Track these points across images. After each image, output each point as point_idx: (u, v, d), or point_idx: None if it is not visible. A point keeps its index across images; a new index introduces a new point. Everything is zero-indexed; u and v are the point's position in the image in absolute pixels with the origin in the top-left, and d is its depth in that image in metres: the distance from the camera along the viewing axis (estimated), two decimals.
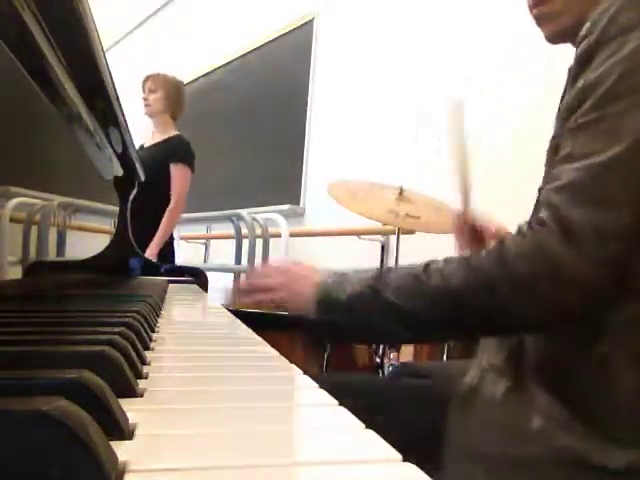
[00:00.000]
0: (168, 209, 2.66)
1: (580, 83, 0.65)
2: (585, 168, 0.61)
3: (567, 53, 0.76)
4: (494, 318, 0.66)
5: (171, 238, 2.82)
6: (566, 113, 0.67)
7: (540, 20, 0.79)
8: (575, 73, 0.67)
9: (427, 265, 0.69)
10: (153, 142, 2.80)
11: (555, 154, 0.67)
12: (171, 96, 2.78)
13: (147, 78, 2.82)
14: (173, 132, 2.81)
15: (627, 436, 0.62)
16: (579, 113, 0.64)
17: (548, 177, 0.68)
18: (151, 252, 2.58)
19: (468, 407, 0.74)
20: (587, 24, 0.66)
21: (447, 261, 0.68)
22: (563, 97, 0.74)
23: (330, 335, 0.85)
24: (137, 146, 2.83)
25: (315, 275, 0.81)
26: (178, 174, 2.69)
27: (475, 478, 0.70)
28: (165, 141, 2.77)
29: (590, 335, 0.65)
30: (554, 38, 0.79)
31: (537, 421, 0.66)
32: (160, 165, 2.68)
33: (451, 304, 0.67)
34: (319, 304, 0.77)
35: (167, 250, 2.74)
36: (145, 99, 2.79)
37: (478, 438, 0.71)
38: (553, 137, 0.71)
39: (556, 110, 0.74)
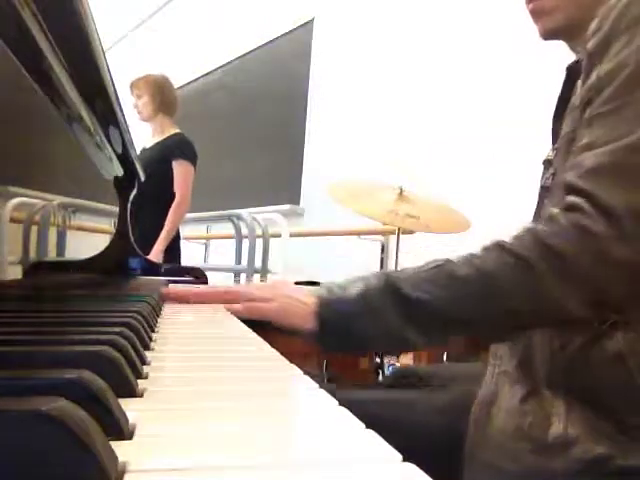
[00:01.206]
0: (173, 206, 2.66)
1: (593, 77, 0.65)
2: (612, 152, 0.60)
3: (566, 54, 0.76)
4: (536, 303, 0.61)
5: (177, 236, 2.80)
6: (581, 106, 0.66)
7: (535, 15, 0.79)
8: (588, 67, 0.66)
9: (446, 260, 0.65)
10: (153, 142, 2.81)
11: (569, 149, 0.66)
12: (155, 96, 2.76)
13: (131, 85, 2.82)
14: (173, 130, 2.81)
15: None
16: (596, 104, 0.64)
17: (561, 171, 0.68)
18: (157, 250, 2.58)
19: (487, 417, 0.72)
20: (596, 20, 0.66)
21: (469, 253, 0.64)
22: (564, 95, 0.74)
23: (331, 349, 0.76)
24: (139, 148, 2.83)
25: (306, 290, 0.74)
26: (180, 170, 2.69)
27: None
28: (165, 140, 2.77)
29: (604, 331, 0.63)
30: (548, 34, 0.79)
31: (556, 429, 0.65)
32: (162, 163, 2.68)
33: (487, 291, 0.62)
34: (322, 309, 0.69)
35: (173, 247, 2.74)
36: (135, 106, 2.80)
37: (498, 451, 0.69)
38: (565, 134, 0.70)
39: (554, 110, 0.75)
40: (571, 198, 0.61)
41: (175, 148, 2.72)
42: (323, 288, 0.72)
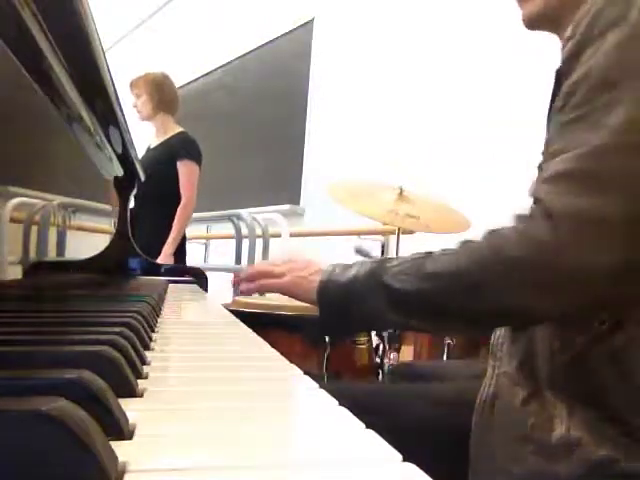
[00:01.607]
0: (179, 208, 2.62)
1: (567, 83, 0.66)
2: (568, 160, 0.62)
3: (556, 54, 0.76)
4: (484, 300, 0.65)
5: (183, 238, 2.76)
6: (554, 114, 0.68)
7: (518, 0, 0.80)
8: (564, 74, 0.67)
9: (429, 253, 0.70)
10: (157, 142, 2.77)
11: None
12: (154, 94, 2.71)
13: (130, 84, 2.78)
14: (176, 130, 2.77)
15: None
16: (565, 111, 0.65)
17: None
18: (166, 253, 2.54)
19: (489, 419, 0.72)
20: (571, 25, 0.67)
21: (445, 249, 0.69)
22: (553, 99, 0.74)
23: (328, 329, 0.85)
24: (144, 148, 2.81)
25: (318, 265, 0.82)
26: (185, 171, 2.65)
27: None
28: (169, 139, 2.73)
29: (604, 331, 0.63)
30: (532, 21, 0.80)
31: (558, 431, 0.65)
32: (166, 163, 2.64)
33: (448, 289, 0.67)
34: (321, 287, 0.77)
35: (181, 249, 2.72)
36: (135, 106, 2.77)
37: (501, 453, 0.69)
38: (547, 140, 0.71)
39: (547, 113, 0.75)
40: (531, 206, 0.64)
41: (179, 148, 2.67)
42: (331, 267, 0.80)
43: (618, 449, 0.61)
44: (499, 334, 0.78)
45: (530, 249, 0.61)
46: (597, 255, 0.58)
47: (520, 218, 0.64)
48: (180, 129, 2.78)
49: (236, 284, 0.93)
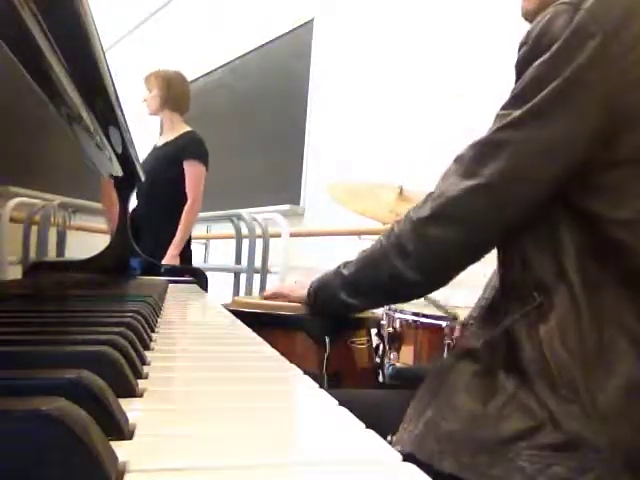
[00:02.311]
0: (185, 209, 2.59)
1: (514, 89, 0.73)
2: (465, 148, 0.77)
3: None
4: (387, 276, 0.83)
5: (188, 239, 2.75)
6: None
7: None
8: (515, 79, 0.73)
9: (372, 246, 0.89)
10: (164, 141, 2.75)
11: None
12: (164, 90, 2.70)
13: (144, 79, 2.77)
14: (184, 129, 2.74)
15: (564, 417, 0.65)
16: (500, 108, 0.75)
17: None
18: (171, 255, 2.52)
19: (440, 381, 0.78)
20: (526, 32, 0.71)
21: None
22: None
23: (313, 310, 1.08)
24: (147, 147, 2.80)
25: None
26: (192, 171, 2.62)
27: (426, 445, 0.72)
28: (176, 139, 2.70)
29: (527, 313, 0.71)
30: (529, 16, 0.83)
31: (497, 401, 0.70)
32: (173, 163, 2.61)
33: (367, 266, 0.87)
34: (311, 287, 1.03)
35: (187, 251, 2.70)
36: (145, 100, 2.76)
37: (441, 414, 0.74)
38: None
39: None
40: None
41: (186, 147, 2.64)
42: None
43: (533, 421, 0.67)
44: (469, 315, 0.90)
45: (407, 225, 0.80)
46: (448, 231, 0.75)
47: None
48: (188, 128, 2.75)
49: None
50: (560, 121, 0.67)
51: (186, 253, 2.69)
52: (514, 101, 0.71)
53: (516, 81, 0.73)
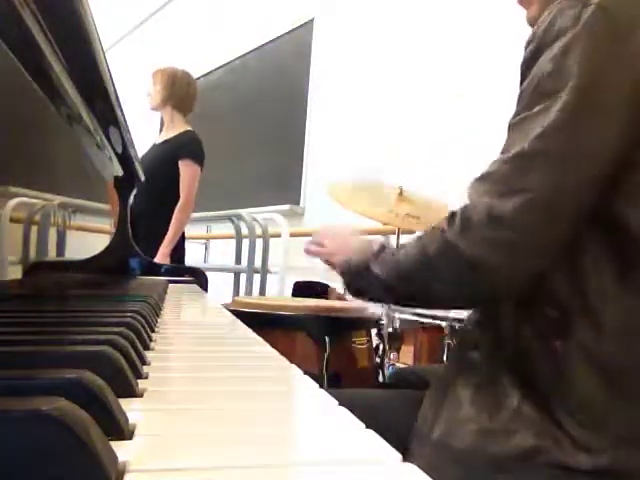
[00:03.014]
0: (177, 208, 2.59)
1: (521, 87, 0.70)
2: (493, 163, 0.69)
3: None
4: (420, 286, 0.75)
5: (182, 238, 2.73)
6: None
7: (521, 4, 0.83)
8: (520, 79, 0.71)
9: (401, 245, 0.80)
10: (163, 139, 2.75)
11: None
12: (167, 87, 2.71)
13: (152, 74, 2.77)
14: (183, 128, 2.74)
15: (588, 440, 0.63)
16: (512, 116, 0.70)
17: None
18: (163, 253, 2.52)
19: (443, 396, 0.76)
20: (532, 29, 0.70)
21: (407, 242, 0.79)
22: None
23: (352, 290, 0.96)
24: (146, 146, 2.80)
25: (355, 241, 0.93)
26: (187, 171, 2.61)
27: (441, 468, 0.71)
28: (175, 137, 2.70)
29: (550, 332, 0.68)
30: (532, 21, 0.82)
31: (504, 415, 0.68)
32: (169, 162, 2.61)
33: (400, 274, 0.78)
34: (345, 264, 0.89)
35: (179, 249, 2.70)
36: (149, 94, 2.77)
37: (447, 429, 0.72)
38: None
39: None
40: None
41: (183, 147, 2.64)
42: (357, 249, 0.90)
43: (550, 441, 0.65)
44: (466, 322, 0.85)
45: (440, 243, 0.70)
46: (495, 254, 0.66)
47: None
48: (188, 128, 2.75)
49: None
50: (591, 122, 0.64)
51: (179, 252, 2.68)
52: (535, 98, 0.66)
53: (521, 81, 0.71)
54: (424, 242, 0.73)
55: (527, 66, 0.70)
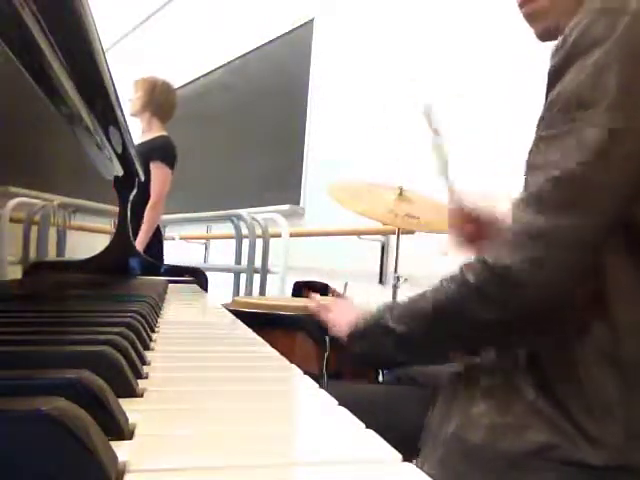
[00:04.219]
0: (147, 207, 2.68)
1: (551, 95, 0.67)
2: (539, 183, 0.66)
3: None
4: (461, 325, 0.71)
5: (159, 239, 2.82)
6: (538, 124, 0.69)
7: (528, 18, 0.81)
8: (548, 85, 0.68)
9: (423, 292, 0.75)
10: (138, 143, 2.82)
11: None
12: (147, 94, 2.82)
13: (134, 81, 2.89)
14: (159, 133, 2.84)
15: (603, 436, 0.64)
16: (544, 125, 0.67)
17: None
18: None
19: (453, 393, 0.76)
20: (560, 37, 0.68)
21: (433, 286, 0.74)
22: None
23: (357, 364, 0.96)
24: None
25: (356, 312, 0.89)
26: (157, 173, 2.71)
27: (451, 465, 0.71)
28: (149, 141, 2.80)
29: (565, 335, 0.68)
30: (543, 36, 0.81)
31: (516, 411, 0.68)
32: (142, 164, 2.69)
33: (438, 322, 0.73)
34: (350, 331, 0.85)
35: (157, 248, 2.75)
36: (130, 100, 2.85)
37: (461, 424, 0.72)
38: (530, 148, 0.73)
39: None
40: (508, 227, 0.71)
41: (155, 150, 2.75)
42: (366, 312, 0.86)
43: (562, 437, 0.65)
44: None
45: (492, 271, 0.66)
46: (555, 277, 0.64)
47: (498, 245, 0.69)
48: (164, 133, 2.85)
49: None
50: (631, 144, 0.63)
51: (153, 250, 2.72)
52: (569, 113, 0.65)
53: (549, 88, 0.68)
54: (461, 278, 0.69)
55: (557, 74, 0.67)
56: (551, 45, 0.81)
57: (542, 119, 0.68)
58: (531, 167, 0.68)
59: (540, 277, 0.64)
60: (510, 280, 0.65)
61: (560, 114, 0.65)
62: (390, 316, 0.77)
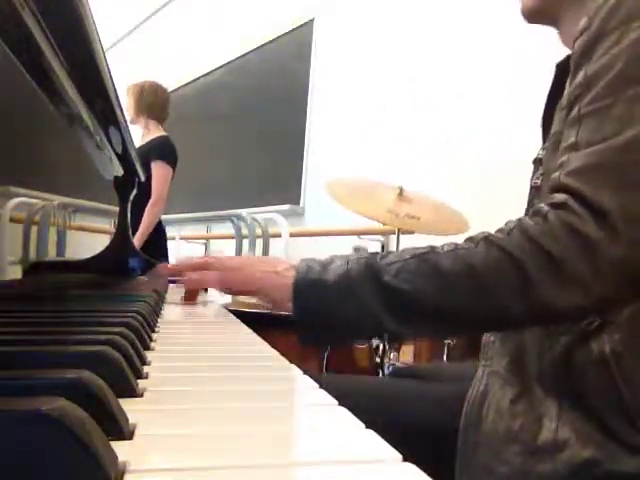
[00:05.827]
0: (148, 206, 2.69)
1: (581, 75, 0.64)
2: (600, 152, 0.59)
3: (556, 54, 0.76)
4: (525, 302, 0.58)
5: (163, 238, 2.83)
6: (568, 106, 0.65)
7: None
8: (576, 66, 0.65)
9: (430, 248, 0.63)
10: (139, 145, 2.84)
11: (557, 148, 0.65)
12: (136, 99, 2.85)
13: (126, 90, 2.92)
14: (158, 133, 2.86)
15: (638, 440, 0.60)
16: (584, 103, 0.62)
17: (547, 171, 0.67)
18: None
19: (477, 418, 0.71)
20: (585, 18, 0.66)
21: (454, 243, 0.62)
22: (553, 93, 0.73)
23: (305, 337, 0.68)
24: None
25: (283, 262, 0.71)
26: (158, 171, 2.73)
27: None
28: (148, 142, 2.82)
29: (590, 333, 0.63)
30: (529, 16, 0.80)
31: (546, 431, 0.63)
32: (143, 165, 2.71)
33: (474, 286, 0.59)
34: (297, 286, 0.66)
35: (159, 246, 2.76)
36: (126, 109, 2.88)
37: (487, 452, 0.68)
38: (553, 133, 0.70)
39: (543, 108, 0.74)
40: (559, 196, 0.60)
41: (155, 150, 2.76)
42: (303, 262, 0.70)
43: (601, 451, 0.60)
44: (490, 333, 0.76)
45: (583, 248, 0.56)
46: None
47: (551, 210, 0.59)
48: (162, 133, 2.87)
49: (166, 275, 0.80)
50: None
51: (160, 250, 2.73)
52: (617, 85, 0.60)
53: (575, 71, 0.65)
54: (513, 239, 0.59)
55: (585, 53, 0.64)
56: (551, 45, 0.82)
57: (572, 100, 0.64)
58: (571, 145, 0.61)
59: (630, 257, 0.56)
60: (600, 259, 0.56)
61: (600, 90, 0.61)
62: (380, 267, 0.62)
